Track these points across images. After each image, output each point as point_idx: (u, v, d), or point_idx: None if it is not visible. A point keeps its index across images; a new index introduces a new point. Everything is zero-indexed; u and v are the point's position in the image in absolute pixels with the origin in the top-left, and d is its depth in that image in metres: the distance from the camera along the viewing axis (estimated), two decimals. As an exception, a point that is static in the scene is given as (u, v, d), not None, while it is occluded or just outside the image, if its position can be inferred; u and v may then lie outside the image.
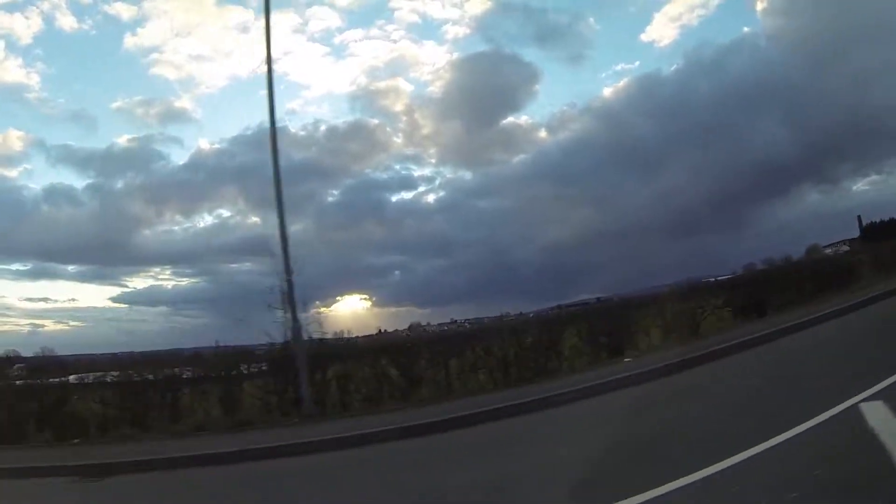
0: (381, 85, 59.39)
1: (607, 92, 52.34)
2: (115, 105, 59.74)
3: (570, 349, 11.52)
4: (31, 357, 18.48)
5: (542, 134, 52.24)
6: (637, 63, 56.66)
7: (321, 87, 65.07)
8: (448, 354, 11.31)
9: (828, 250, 21.87)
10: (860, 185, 45.08)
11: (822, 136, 39.70)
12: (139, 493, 6.48)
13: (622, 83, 52.85)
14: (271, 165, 11.09)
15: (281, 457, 7.09)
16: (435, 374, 10.96)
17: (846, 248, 23.44)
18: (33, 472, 7.61)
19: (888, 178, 39.55)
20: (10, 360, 19.68)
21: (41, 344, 16.75)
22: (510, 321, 13.83)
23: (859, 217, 26.76)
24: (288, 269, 10.42)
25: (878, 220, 27.38)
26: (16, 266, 46.12)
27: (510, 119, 61.05)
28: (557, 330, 11.94)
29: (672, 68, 53.43)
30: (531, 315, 17.80)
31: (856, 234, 26.01)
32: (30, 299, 47.28)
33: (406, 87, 61.01)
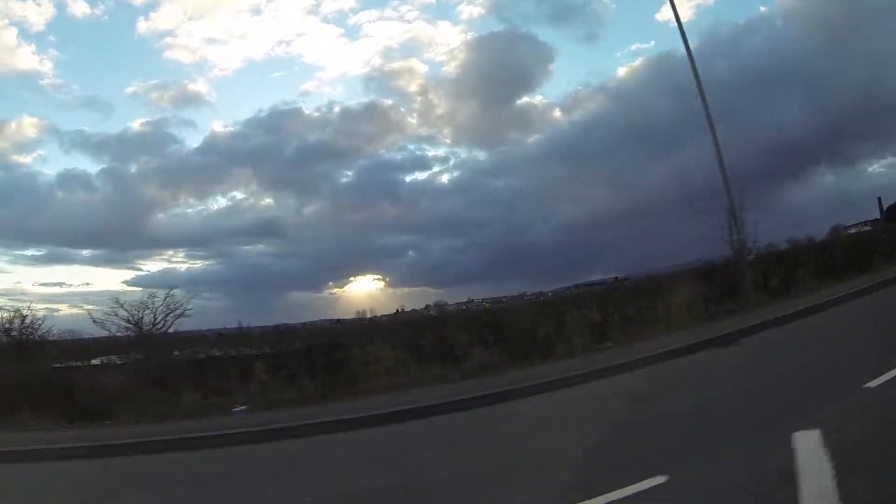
0: (396, 66, 59.70)
1: (622, 71, 53.45)
2: (128, 90, 60.75)
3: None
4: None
5: (557, 113, 52.89)
6: (652, 42, 57.25)
7: (335, 68, 65.74)
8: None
9: (851, 230, 21.97)
10: (876, 167, 44.06)
11: (839, 117, 39.08)
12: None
13: (637, 63, 53.20)
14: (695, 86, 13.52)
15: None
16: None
17: (868, 228, 23.52)
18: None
19: None
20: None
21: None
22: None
23: (879, 199, 26.73)
24: (728, 186, 13.07)
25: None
26: (31, 251, 47.01)
27: (525, 99, 61.49)
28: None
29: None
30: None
31: (875, 215, 26.10)
32: (45, 284, 48.07)
33: (421, 67, 61.98)
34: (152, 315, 14.74)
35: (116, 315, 14.36)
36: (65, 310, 37.95)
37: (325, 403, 9.34)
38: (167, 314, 14.92)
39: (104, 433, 8.57)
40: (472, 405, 7.75)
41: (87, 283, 50.15)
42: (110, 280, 51.76)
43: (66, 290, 44.51)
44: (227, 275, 42.81)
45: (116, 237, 48.56)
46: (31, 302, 39.28)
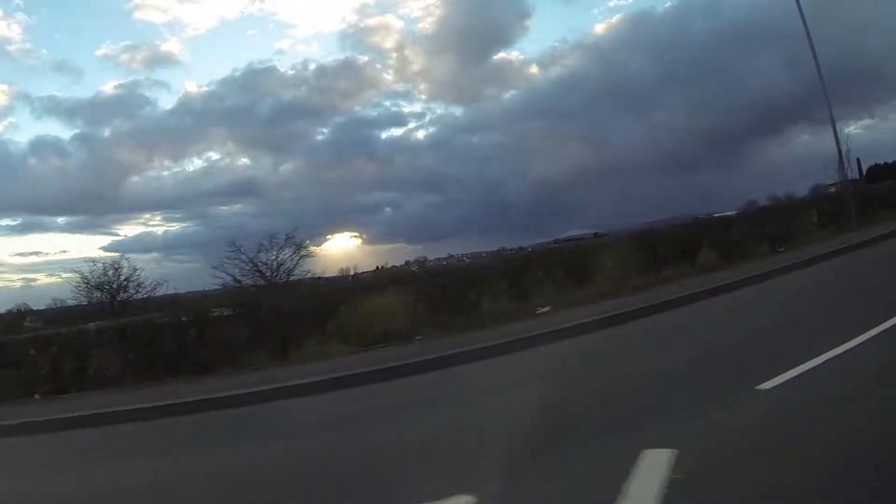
0: (371, 22, 57.46)
1: (599, 28, 52.24)
2: (99, 52, 58.65)
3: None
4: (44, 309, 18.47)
5: (534, 70, 51.71)
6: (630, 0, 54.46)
7: (310, 25, 63.21)
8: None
9: (831, 189, 21.97)
10: (853, 129, 44.74)
11: (817, 79, 38.98)
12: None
13: (615, 19, 51.73)
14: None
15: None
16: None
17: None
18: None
19: (880, 123, 40.21)
20: (22, 313, 19.96)
21: (33, 298, 16.80)
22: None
23: (858, 160, 26.65)
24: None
25: (881, 163, 27.36)
26: (5, 222, 46.50)
27: (501, 55, 59.92)
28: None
29: (666, 5, 52.14)
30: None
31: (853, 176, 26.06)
32: (21, 254, 47.61)
33: (396, 23, 59.19)
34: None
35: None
36: (42, 279, 37.89)
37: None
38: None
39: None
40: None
41: (64, 251, 49.40)
42: (87, 246, 51.47)
43: (43, 258, 44.19)
44: (205, 236, 42.57)
45: (92, 203, 47.80)
46: (8, 272, 39.19)
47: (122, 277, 15.46)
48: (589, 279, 12.88)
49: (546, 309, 10.87)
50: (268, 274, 14.49)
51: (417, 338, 10.21)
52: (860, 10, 37.33)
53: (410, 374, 7.49)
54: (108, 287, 15.15)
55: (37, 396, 9.67)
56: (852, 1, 38.87)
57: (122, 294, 15.42)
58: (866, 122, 45.38)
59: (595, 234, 22.72)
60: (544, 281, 13.50)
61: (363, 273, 25.33)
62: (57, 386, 9.83)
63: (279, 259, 14.65)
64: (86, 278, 15.15)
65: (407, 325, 10.74)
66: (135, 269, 15.79)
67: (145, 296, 15.56)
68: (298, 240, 14.98)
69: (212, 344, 10.84)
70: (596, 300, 10.94)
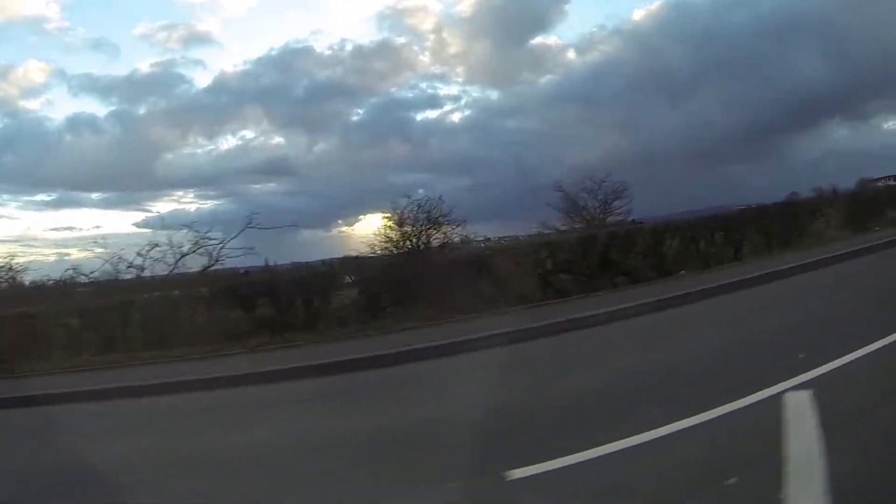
0: (409, 3, 56.91)
1: (638, 14, 50.29)
2: (136, 31, 58.42)
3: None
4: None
5: (571, 55, 50.09)
6: None
7: (348, 6, 62.30)
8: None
9: (879, 183, 21.40)
10: (892, 124, 43.46)
11: (857, 72, 38.09)
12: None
13: (654, 6, 50.32)
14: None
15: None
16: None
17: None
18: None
19: None
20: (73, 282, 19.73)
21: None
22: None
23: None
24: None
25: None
26: (40, 197, 46.38)
27: (539, 39, 58.61)
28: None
29: None
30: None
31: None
32: (55, 229, 47.70)
33: (435, 5, 58.32)
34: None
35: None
36: (75, 253, 38.39)
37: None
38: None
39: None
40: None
41: (97, 227, 48.04)
42: (120, 222, 51.81)
43: (76, 234, 44.77)
44: (237, 214, 42.68)
45: (126, 179, 48.02)
46: (42, 247, 39.77)
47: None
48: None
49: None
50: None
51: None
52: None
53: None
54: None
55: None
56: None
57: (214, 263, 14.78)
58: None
59: (632, 220, 22.22)
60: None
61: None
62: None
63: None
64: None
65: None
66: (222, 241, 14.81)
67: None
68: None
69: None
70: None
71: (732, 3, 43.15)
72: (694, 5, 46.39)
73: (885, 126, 42.38)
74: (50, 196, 47.15)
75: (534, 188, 39.96)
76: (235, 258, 14.72)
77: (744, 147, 42.46)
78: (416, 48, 55.05)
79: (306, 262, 16.88)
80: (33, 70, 50.23)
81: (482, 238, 14.99)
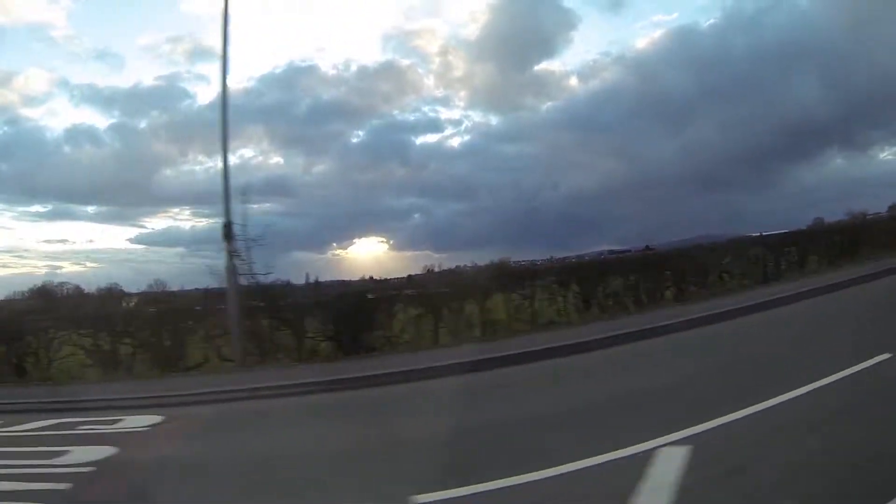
0: (416, 25, 57.60)
1: (641, 42, 51.50)
2: (142, 42, 59.06)
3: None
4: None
5: (574, 81, 50.42)
6: (675, 15, 54.06)
7: (355, 25, 62.76)
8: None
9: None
10: (887, 154, 43.51)
11: (857, 101, 38.70)
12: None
13: (657, 34, 50.71)
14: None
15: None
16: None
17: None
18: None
19: None
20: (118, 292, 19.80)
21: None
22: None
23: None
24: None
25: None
26: (36, 208, 46.42)
27: (543, 65, 59.42)
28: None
29: (709, 22, 50.57)
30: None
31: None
32: (48, 241, 47.69)
33: (442, 28, 59.20)
34: None
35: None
36: (67, 267, 38.31)
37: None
38: None
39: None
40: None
41: (91, 241, 49.31)
42: (114, 237, 52.05)
43: (70, 247, 44.65)
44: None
45: (123, 193, 47.67)
46: (34, 259, 39.78)
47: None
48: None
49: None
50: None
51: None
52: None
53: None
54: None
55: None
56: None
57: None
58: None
59: (646, 247, 22.17)
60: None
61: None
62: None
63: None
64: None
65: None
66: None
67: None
68: None
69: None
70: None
71: (734, 29, 43.41)
72: (696, 33, 46.73)
73: (882, 156, 42.86)
74: (45, 207, 47.24)
75: (529, 215, 40.13)
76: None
77: (739, 175, 42.76)
78: (420, 70, 55.60)
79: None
80: (36, 78, 50.60)
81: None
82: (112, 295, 17.64)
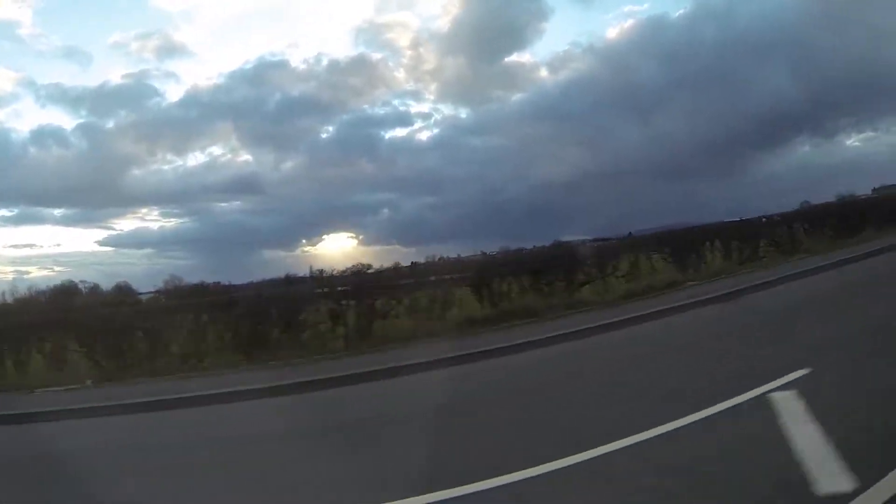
0: (389, 18, 56.82)
1: (612, 33, 50.54)
2: (111, 39, 56.47)
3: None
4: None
5: (543, 73, 49.89)
6: (645, 5, 53.89)
7: (326, 19, 59.56)
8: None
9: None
10: (854, 141, 44.40)
11: (826, 90, 39.01)
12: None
13: (627, 24, 50.56)
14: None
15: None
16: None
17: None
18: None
19: (881, 136, 40.07)
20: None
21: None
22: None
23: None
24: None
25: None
26: (1, 212, 44.09)
27: (513, 57, 58.75)
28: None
29: (679, 12, 50.58)
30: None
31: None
32: (15, 246, 45.03)
33: (413, 21, 57.79)
34: None
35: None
36: (34, 271, 37.12)
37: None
38: None
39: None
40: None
41: (58, 244, 46.88)
42: (82, 240, 50.31)
43: (37, 251, 43.14)
44: (200, 233, 41.58)
45: (90, 195, 44.88)
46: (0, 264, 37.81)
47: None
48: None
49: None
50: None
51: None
52: (882, 19, 36.35)
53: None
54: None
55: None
56: (874, 10, 38.06)
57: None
58: (868, 134, 45.20)
59: (595, 239, 21.31)
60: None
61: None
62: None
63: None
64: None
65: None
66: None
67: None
68: None
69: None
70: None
71: (704, 19, 43.50)
72: (666, 23, 46.85)
73: (848, 143, 43.46)
74: (11, 212, 44.52)
75: (499, 207, 39.40)
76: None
77: (709, 163, 42.80)
78: (391, 64, 54.11)
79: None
80: (1, 78, 47.42)
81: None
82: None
